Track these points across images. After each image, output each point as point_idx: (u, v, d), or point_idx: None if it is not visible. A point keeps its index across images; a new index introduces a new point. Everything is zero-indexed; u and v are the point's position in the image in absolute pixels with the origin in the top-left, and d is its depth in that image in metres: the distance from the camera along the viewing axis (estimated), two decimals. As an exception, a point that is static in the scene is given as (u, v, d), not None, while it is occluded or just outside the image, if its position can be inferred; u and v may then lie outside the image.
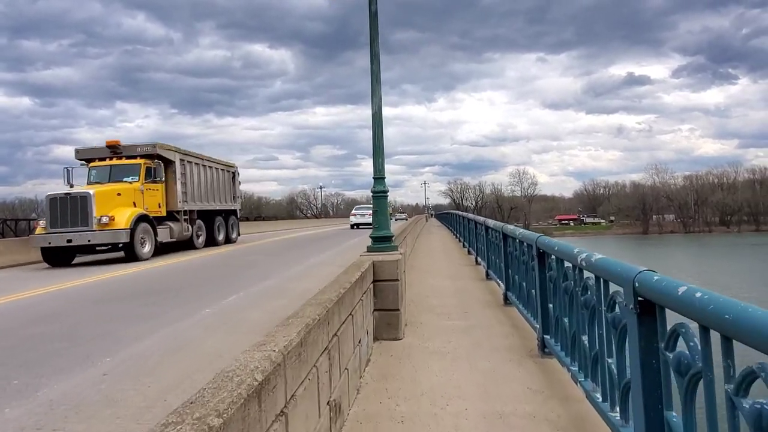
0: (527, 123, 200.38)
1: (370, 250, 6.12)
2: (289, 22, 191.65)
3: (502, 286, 7.10)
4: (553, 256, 4.05)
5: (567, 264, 3.61)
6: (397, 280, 5.43)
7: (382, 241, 6.20)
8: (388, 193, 6.62)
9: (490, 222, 9.15)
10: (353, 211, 34.44)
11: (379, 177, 6.36)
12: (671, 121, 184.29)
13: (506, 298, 6.85)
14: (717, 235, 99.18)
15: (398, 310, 5.38)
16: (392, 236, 6.36)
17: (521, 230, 5.78)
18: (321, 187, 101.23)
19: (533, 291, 4.84)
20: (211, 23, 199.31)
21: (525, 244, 5.33)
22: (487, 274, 9.41)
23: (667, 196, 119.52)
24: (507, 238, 6.79)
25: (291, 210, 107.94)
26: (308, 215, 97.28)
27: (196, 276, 9.93)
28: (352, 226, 31.84)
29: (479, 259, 11.40)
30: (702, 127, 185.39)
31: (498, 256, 7.73)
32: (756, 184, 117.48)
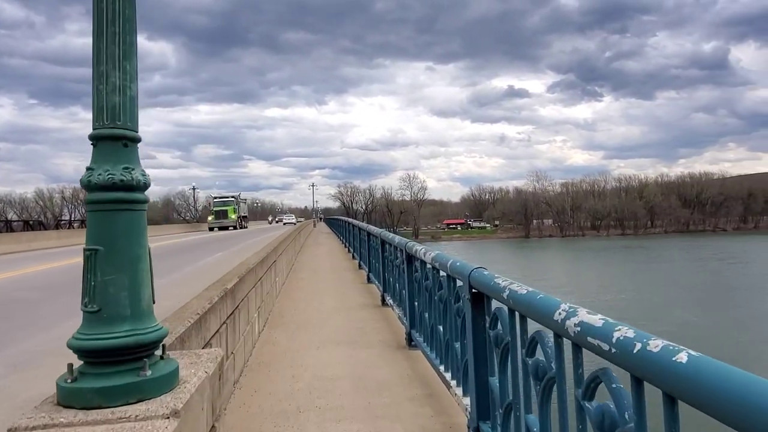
0: (416, 129, 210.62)
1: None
2: (170, 13, 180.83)
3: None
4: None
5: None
6: None
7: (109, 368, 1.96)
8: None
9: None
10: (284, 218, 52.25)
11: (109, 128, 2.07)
12: (547, 132, 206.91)
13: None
14: (589, 239, 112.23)
15: None
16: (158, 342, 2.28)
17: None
18: (194, 188, 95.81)
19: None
20: (80, 8, 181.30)
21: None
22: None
23: (546, 202, 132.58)
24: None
25: (167, 213, 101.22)
26: (187, 219, 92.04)
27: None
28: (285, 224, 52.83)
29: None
30: (573, 139, 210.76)
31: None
32: (622, 192, 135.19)
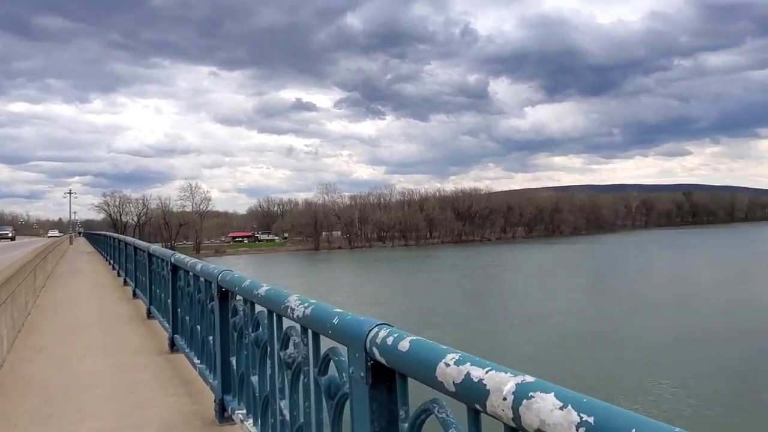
0: (198, 136, 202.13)
1: None
2: None
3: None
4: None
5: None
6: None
7: None
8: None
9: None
10: None
11: None
12: (334, 146, 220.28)
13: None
14: (376, 250, 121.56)
15: None
16: None
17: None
18: None
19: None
20: None
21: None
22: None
23: (336, 214, 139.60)
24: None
25: None
26: None
27: None
28: None
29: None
30: (358, 154, 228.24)
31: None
32: (405, 205, 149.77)
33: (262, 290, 3.09)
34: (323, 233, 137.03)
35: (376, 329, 1.90)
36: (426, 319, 34.23)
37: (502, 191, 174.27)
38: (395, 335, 1.80)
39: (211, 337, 4.44)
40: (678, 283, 50.42)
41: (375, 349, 1.84)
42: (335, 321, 2.17)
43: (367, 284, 57.17)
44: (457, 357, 1.49)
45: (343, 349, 2.17)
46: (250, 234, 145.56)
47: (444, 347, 1.59)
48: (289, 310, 2.61)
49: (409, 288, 52.65)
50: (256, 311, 3.32)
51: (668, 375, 21.32)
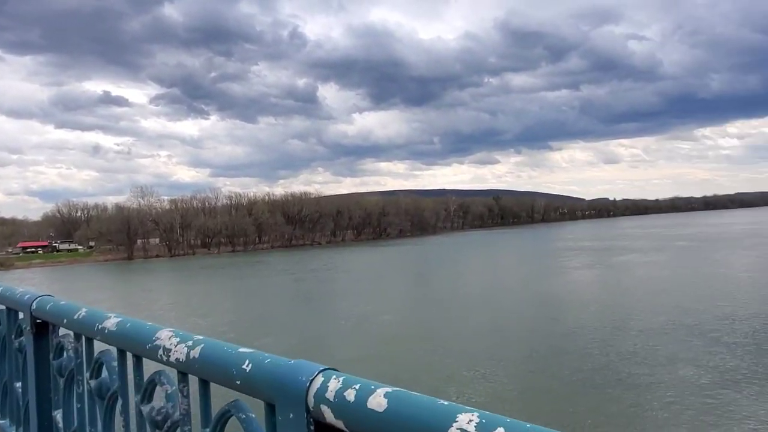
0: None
1: None
2: None
3: None
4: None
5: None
6: None
7: None
8: None
9: None
10: None
11: None
12: (150, 146, 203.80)
13: None
14: (200, 257, 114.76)
15: None
16: None
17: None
18: None
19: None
20: None
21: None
22: None
23: (153, 220, 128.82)
24: None
25: None
26: None
27: None
28: None
29: None
30: (179, 155, 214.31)
31: None
32: (232, 209, 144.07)
33: (111, 323, 2.25)
34: (138, 241, 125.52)
35: (320, 377, 1.27)
36: (258, 327, 33.03)
37: (331, 195, 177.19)
38: (356, 386, 1.18)
39: (19, 384, 3.35)
40: (490, 278, 55.73)
41: (325, 408, 1.22)
42: (246, 366, 1.48)
43: (191, 294, 53.40)
44: (476, 419, 0.97)
45: (255, 405, 1.52)
46: (46, 244, 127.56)
47: (446, 402, 1.05)
48: (161, 351, 1.83)
49: (238, 295, 50.43)
50: (97, 351, 2.47)
51: (482, 362, 23.35)
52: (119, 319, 2.25)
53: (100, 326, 2.32)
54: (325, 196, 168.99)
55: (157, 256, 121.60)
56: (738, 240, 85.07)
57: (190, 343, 1.76)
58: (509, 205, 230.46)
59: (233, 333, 30.31)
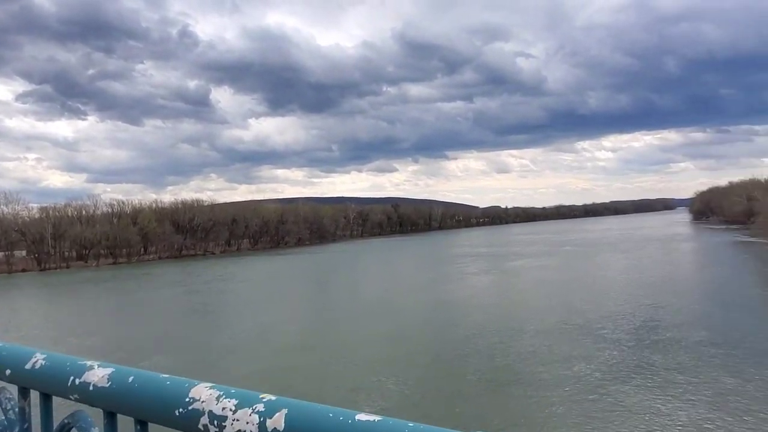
0: None
1: None
2: None
3: None
4: None
5: None
6: None
7: None
8: None
9: None
10: None
11: None
12: (16, 148, 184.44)
13: None
14: (75, 271, 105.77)
15: None
16: None
17: None
18: None
19: None
20: None
21: None
22: None
23: (19, 230, 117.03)
24: None
25: None
26: None
27: None
28: None
29: None
30: (50, 158, 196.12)
31: None
32: (114, 218, 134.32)
33: (100, 372, 1.55)
34: (2, 253, 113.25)
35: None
36: (148, 346, 30.88)
37: (226, 203, 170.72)
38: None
39: None
40: (391, 285, 56.54)
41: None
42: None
43: (70, 312, 48.86)
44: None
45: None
46: None
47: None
48: (203, 420, 1.21)
49: (124, 311, 46.93)
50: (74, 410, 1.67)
51: (388, 369, 23.53)
52: (111, 368, 1.72)
53: (78, 381, 1.80)
54: (219, 204, 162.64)
55: (24, 270, 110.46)
56: (615, 244, 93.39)
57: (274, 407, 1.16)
58: (408, 212, 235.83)
59: (122, 352, 28.06)
